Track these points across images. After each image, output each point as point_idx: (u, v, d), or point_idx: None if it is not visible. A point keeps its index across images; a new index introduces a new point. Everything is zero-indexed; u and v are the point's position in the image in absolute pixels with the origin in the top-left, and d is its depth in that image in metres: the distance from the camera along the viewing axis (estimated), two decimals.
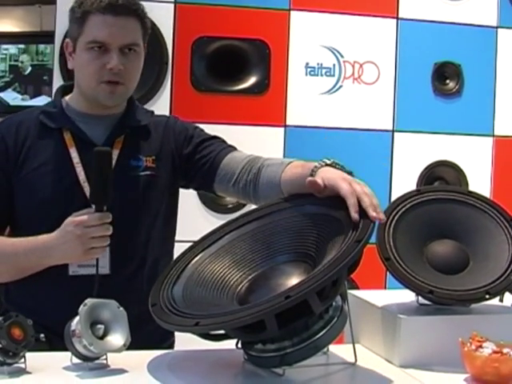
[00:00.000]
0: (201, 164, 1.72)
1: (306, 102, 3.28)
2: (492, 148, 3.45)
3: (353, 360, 1.38)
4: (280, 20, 3.24)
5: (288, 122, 3.25)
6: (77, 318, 1.29)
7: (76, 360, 1.30)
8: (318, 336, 1.25)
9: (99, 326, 1.31)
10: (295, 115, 3.26)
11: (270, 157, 1.69)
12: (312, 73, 3.29)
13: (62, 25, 2.86)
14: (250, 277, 1.37)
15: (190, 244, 1.46)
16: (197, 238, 1.48)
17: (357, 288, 2.57)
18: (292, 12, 3.25)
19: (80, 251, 1.52)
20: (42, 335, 1.31)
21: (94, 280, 1.49)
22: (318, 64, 3.30)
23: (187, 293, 1.33)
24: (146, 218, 1.67)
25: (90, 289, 1.45)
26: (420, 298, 1.48)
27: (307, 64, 3.29)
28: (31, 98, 4.75)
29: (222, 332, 1.31)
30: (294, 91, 3.26)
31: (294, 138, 3.24)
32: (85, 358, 1.29)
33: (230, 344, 1.36)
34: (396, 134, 3.36)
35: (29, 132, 1.65)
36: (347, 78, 3.33)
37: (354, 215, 1.29)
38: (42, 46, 4.78)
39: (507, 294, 1.53)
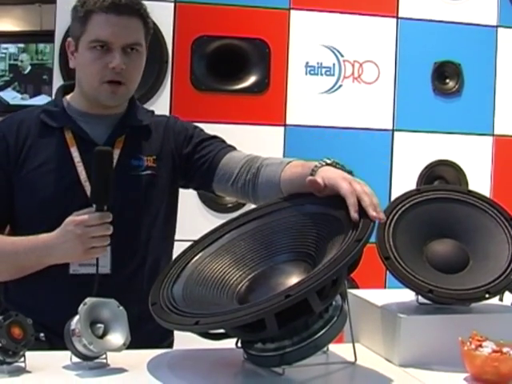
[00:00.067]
0: (200, 164, 1.72)
1: (306, 101, 3.28)
2: (492, 147, 3.45)
3: (353, 359, 1.38)
4: (280, 19, 3.24)
5: (288, 122, 3.26)
6: (76, 317, 1.29)
7: (76, 359, 1.30)
8: (317, 335, 1.25)
9: (99, 325, 1.31)
10: (295, 114, 3.26)
11: (269, 156, 1.69)
12: (312, 72, 3.29)
13: (62, 24, 2.86)
14: (249, 276, 1.37)
15: (189, 243, 1.46)
16: (197, 237, 1.48)
17: (357, 287, 2.57)
18: (292, 11, 3.25)
19: (80, 250, 1.52)
20: (42, 334, 1.31)
21: (94, 279, 1.49)
22: (317, 63, 3.30)
23: (187, 292, 1.33)
24: (147, 217, 1.67)
25: (90, 288, 1.45)
26: (420, 297, 1.48)
27: (307, 63, 3.29)
28: (31, 97, 4.75)
29: (221, 331, 1.31)
30: (293, 90, 3.26)
31: (293, 137, 3.24)
32: (84, 357, 1.29)
33: (230, 343, 1.36)
34: (396, 133, 3.37)
35: (30, 131, 1.65)
36: (347, 78, 3.33)
37: (354, 215, 1.29)
38: (41, 45, 4.78)
39: (507, 294, 1.54)
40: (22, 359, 1.25)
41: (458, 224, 1.55)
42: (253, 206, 1.58)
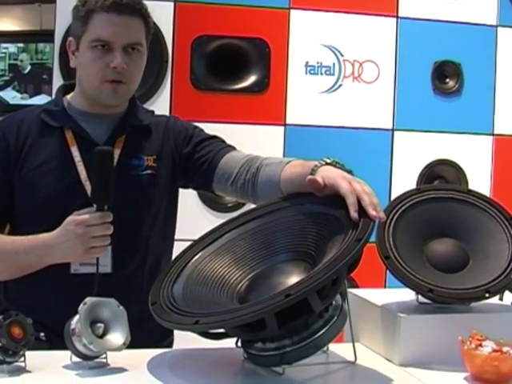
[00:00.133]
0: (199, 164, 1.72)
1: (306, 100, 3.28)
2: (492, 147, 3.45)
3: (353, 359, 1.38)
4: (280, 19, 3.24)
5: (288, 121, 3.25)
6: (76, 317, 1.29)
7: (76, 359, 1.30)
8: (317, 335, 1.25)
9: (99, 324, 1.31)
10: (295, 114, 3.26)
11: (268, 156, 1.69)
12: (312, 71, 3.29)
13: (61, 23, 2.86)
14: (249, 275, 1.37)
15: (189, 243, 1.46)
16: (197, 236, 1.48)
17: (356, 287, 2.57)
18: (292, 11, 3.25)
19: (80, 250, 1.52)
20: (42, 334, 1.31)
21: (94, 279, 1.49)
22: (317, 63, 3.30)
23: (187, 291, 1.33)
24: (147, 216, 1.67)
25: (90, 287, 1.45)
26: (420, 296, 1.48)
27: (307, 63, 3.29)
28: (31, 96, 4.75)
29: (221, 330, 1.31)
30: (293, 90, 3.26)
31: (293, 136, 3.24)
32: (85, 357, 1.29)
33: (230, 343, 1.36)
34: (396, 132, 3.37)
35: (30, 130, 1.65)
36: (347, 77, 3.33)
37: (354, 214, 1.29)
38: (41, 45, 4.78)
39: (507, 293, 1.54)
40: (22, 359, 1.25)
41: (458, 223, 1.55)
42: (252, 206, 1.58)
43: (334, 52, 3.31)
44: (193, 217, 2.90)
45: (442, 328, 1.41)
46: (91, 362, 1.30)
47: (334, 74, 3.32)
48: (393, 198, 1.62)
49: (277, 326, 1.18)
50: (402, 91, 3.36)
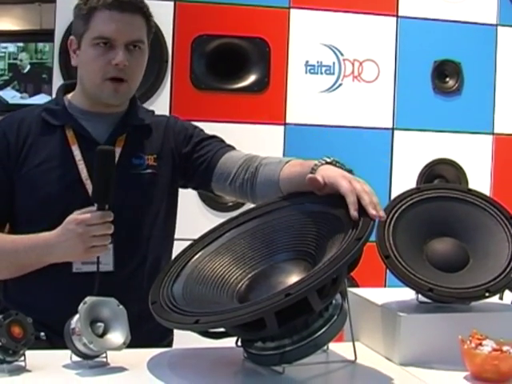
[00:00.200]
0: (198, 163, 1.72)
1: (306, 100, 3.28)
2: (492, 146, 3.45)
3: (353, 358, 1.38)
4: (280, 18, 3.24)
5: (288, 120, 3.25)
6: (77, 316, 1.29)
7: (76, 358, 1.30)
8: (317, 334, 1.25)
9: (99, 324, 1.31)
10: (295, 113, 3.26)
11: (267, 156, 1.69)
12: (312, 71, 3.29)
13: (61, 23, 2.86)
14: (249, 275, 1.37)
15: (189, 242, 1.46)
16: (196, 236, 1.48)
17: (357, 286, 2.57)
18: (292, 10, 3.25)
19: (81, 249, 1.52)
20: (43, 334, 1.31)
21: (95, 278, 1.49)
22: (317, 62, 3.30)
23: (187, 291, 1.33)
24: (148, 216, 1.67)
25: (91, 286, 1.45)
26: (420, 295, 1.48)
27: (307, 62, 3.29)
28: (30, 96, 4.74)
29: (221, 330, 1.31)
30: (293, 89, 3.26)
31: (293, 136, 3.24)
32: (85, 356, 1.29)
33: (230, 342, 1.36)
34: (396, 132, 3.36)
35: (31, 129, 1.65)
36: (347, 76, 3.33)
37: (354, 213, 1.29)
38: (40, 45, 4.77)
39: (507, 292, 1.53)
40: (22, 358, 1.25)
41: (458, 223, 1.55)
42: (252, 205, 1.58)
43: (333, 51, 3.31)
44: (193, 216, 2.90)
45: (442, 327, 1.41)
46: (91, 361, 1.30)
47: (333, 74, 3.32)
48: (393, 197, 1.62)
49: (277, 326, 1.18)
50: (402, 90, 3.35)
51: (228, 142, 1.79)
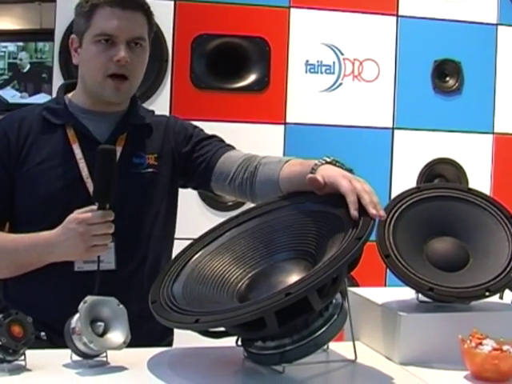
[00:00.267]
0: (198, 163, 1.72)
1: (306, 99, 3.28)
2: (492, 145, 3.45)
3: (353, 357, 1.38)
4: (280, 17, 3.24)
5: (288, 120, 3.25)
6: (77, 316, 1.29)
7: (76, 357, 1.30)
8: (317, 333, 1.25)
9: (99, 323, 1.31)
10: (295, 113, 3.26)
11: (267, 155, 1.69)
12: (312, 70, 3.29)
13: (62, 22, 2.86)
14: (250, 274, 1.37)
15: (189, 242, 1.46)
16: (197, 235, 1.48)
17: (357, 285, 2.57)
18: (292, 9, 3.25)
19: (82, 249, 1.52)
20: (43, 333, 1.31)
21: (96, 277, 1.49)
22: (317, 61, 3.30)
23: (187, 290, 1.33)
24: (148, 215, 1.67)
25: (92, 285, 1.45)
26: (420, 295, 1.48)
27: (307, 61, 3.29)
28: (30, 95, 4.74)
29: (222, 329, 1.31)
30: (293, 89, 3.26)
31: (293, 135, 3.24)
32: (85, 356, 1.29)
33: (230, 341, 1.36)
34: (396, 131, 3.36)
35: (31, 128, 1.65)
36: (347, 76, 3.33)
37: (354, 213, 1.29)
38: (40, 44, 4.77)
39: (507, 292, 1.53)
40: (23, 357, 1.25)
41: (458, 222, 1.55)
42: (252, 205, 1.58)
43: (334, 51, 3.31)
44: (193, 216, 2.90)
45: (442, 326, 1.41)
46: (91, 360, 1.30)
47: (334, 73, 3.31)
48: (393, 196, 1.62)
49: (277, 325, 1.18)
50: (402, 90, 3.35)
51: (228, 141, 1.79)
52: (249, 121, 3.19)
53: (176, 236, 1.79)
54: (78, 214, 1.51)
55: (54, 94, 1.86)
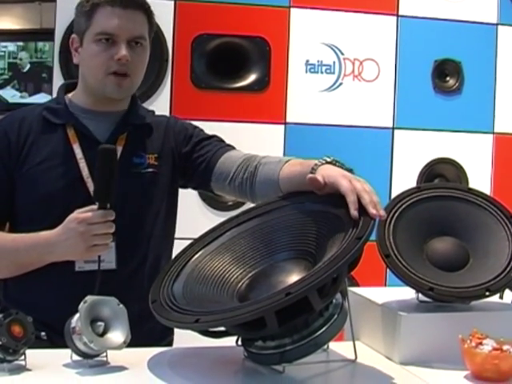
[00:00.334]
0: (198, 163, 1.72)
1: (306, 99, 3.28)
2: (492, 145, 3.45)
3: (353, 357, 1.38)
4: (280, 17, 3.24)
5: (288, 120, 3.25)
6: (77, 315, 1.29)
7: (76, 357, 1.30)
8: (318, 333, 1.25)
9: (99, 323, 1.31)
10: (295, 112, 3.26)
11: (267, 155, 1.69)
12: (312, 70, 3.29)
13: (62, 22, 2.86)
14: (250, 274, 1.37)
15: (190, 241, 1.46)
16: (197, 235, 1.48)
17: (357, 285, 2.57)
18: (292, 9, 3.25)
19: (82, 248, 1.51)
20: (44, 333, 1.31)
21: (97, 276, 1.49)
22: (318, 61, 3.30)
23: (187, 290, 1.33)
24: (148, 215, 1.67)
25: (93, 285, 1.44)
26: (420, 295, 1.48)
27: (307, 61, 3.29)
28: (30, 95, 4.75)
29: (222, 329, 1.31)
30: (294, 88, 3.26)
31: (294, 135, 3.24)
32: (85, 355, 1.29)
33: (230, 341, 1.36)
34: (396, 131, 3.36)
35: (32, 128, 1.65)
36: (347, 76, 3.33)
37: (354, 212, 1.29)
38: (40, 44, 4.77)
39: (507, 291, 1.53)
40: (23, 357, 1.25)
41: (459, 222, 1.55)
42: (252, 205, 1.58)
43: (334, 50, 3.31)
44: (193, 215, 2.91)
45: (442, 326, 1.41)
46: (91, 360, 1.30)
47: (334, 73, 3.31)
48: (393, 196, 1.62)
49: (277, 325, 1.18)
50: (403, 90, 3.35)
51: (228, 141, 1.79)
52: (249, 121, 3.19)
53: (176, 236, 1.79)
54: (79, 214, 1.51)
55: (54, 94, 1.86)
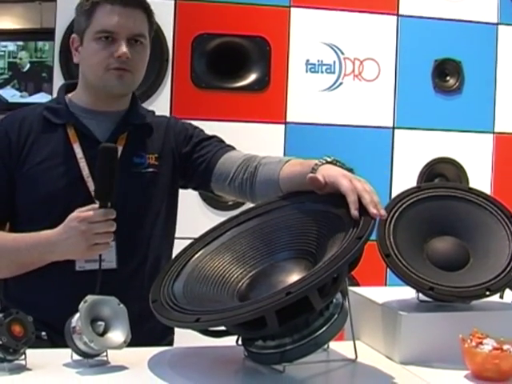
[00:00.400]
0: (198, 163, 1.72)
1: (307, 98, 3.28)
2: (492, 145, 3.45)
3: (353, 357, 1.38)
4: (280, 17, 3.24)
5: (288, 119, 3.25)
6: (77, 315, 1.29)
7: (76, 357, 1.30)
8: (318, 333, 1.25)
9: (100, 322, 1.31)
10: (295, 112, 3.26)
11: (267, 155, 1.69)
12: (312, 70, 3.29)
13: (62, 21, 2.86)
14: (250, 273, 1.37)
15: (190, 241, 1.46)
16: (197, 234, 1.48)
17: (357, 285, 2.57)
18: (292, 9, 3.25)
19: (83, 247, 1.51)
20: (44, 333, 1.31)
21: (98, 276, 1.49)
22: (318, 61, 3.30)
23: (188, 289, 1.33)
24: (149, 214, 1.67)
25: (94, 285, 1.44)
26: (420, 294, 1.48)
27: (307, 61, 3.29)
28: (30, 94, 4.75)
29: (222, 328, 1.31)
30: (294, 88, 3.26)
31: (294, 135, 3.24)
32: (85, 355, 1.29)
33: (231, 341, 1.36)
34: (396, 130, 3.36)
35: (32, 127, 1.65)
36: (347, 75, 3.33)
37: (354, 212, 1.29)
38: (40, 43, 4.78)
39: (507, 291, 1.53)
40: (23, 357, 1.25)
41: (459, 221, 1.55)
42: (252, 205, 1.58)
43: (334, 50, 3.31)
44: (193, 215, 2.91)
45: (442, 326, 1.41)
46: (92, 360, 1.30)
47: (334, 72, 3.31)
48: (393, 196, 1.62)
49: (277, 324, 1.18)
50: (403, 89, 3.35)
51: (228, 141, 1.79)
52: (249, 120, 3.19)
53: (176, 235, 1.79)
54: (80, 213, 1.51)
55: (55, 94, 1.86)
